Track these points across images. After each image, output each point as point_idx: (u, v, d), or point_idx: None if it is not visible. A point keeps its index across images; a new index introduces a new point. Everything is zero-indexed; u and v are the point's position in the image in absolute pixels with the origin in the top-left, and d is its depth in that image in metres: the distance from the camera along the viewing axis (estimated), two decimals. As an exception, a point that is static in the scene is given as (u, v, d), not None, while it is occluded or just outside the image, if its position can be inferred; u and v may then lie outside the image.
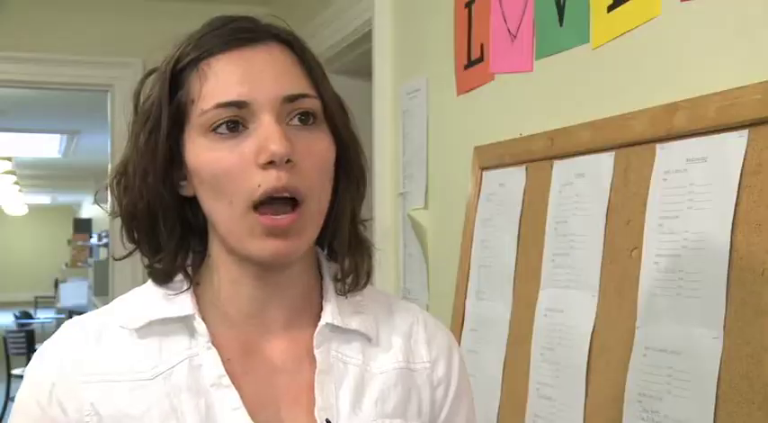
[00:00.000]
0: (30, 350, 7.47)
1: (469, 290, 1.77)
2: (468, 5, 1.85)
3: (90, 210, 14.63)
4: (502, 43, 1.72)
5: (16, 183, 11.79)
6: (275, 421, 0.88)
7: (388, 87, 2.35)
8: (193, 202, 0.90)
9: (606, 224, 1.35)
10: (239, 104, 0.84)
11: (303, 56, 0.90)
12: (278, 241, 0.84)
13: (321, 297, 0.94)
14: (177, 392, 0.86)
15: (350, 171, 0.93)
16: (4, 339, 7.81)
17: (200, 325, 0.88)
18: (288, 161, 0.83)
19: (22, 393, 0.90)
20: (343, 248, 0.94)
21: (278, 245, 0.84)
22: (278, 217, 0.84)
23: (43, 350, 0.91)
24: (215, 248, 0.91)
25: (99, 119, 4.11)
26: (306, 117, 0.87)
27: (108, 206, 0.96)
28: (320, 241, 0.95)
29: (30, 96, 5.96)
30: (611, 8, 1.38)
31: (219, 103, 0.84)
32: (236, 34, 0.87)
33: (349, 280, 0.94)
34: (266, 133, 0.83)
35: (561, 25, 1.53)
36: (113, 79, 3.58)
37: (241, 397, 0.86)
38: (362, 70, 2.67)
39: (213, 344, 0.88)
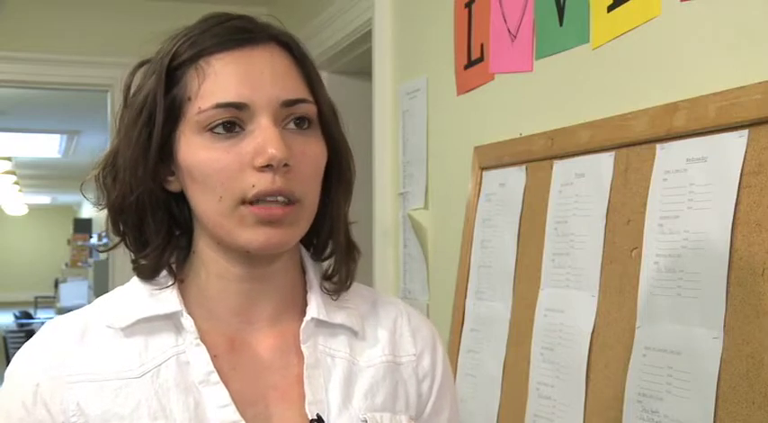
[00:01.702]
0: (30, 350, 7.46)
1: (469, 290, 1.77)
2: (468, 5, 1.85)
3: (90, 210, 14.62)
4: (502, 43, 1.72)
5: (16, 183, 11.79)
6: (265, 417, 0.87)
7: (388, 87, 2.35)
8: (179, 197, 0.90)
9: (606, 224, 1.35)
10: (239, 106, 0.84)
11: (301, 59, 0.90)
12: (271, 230, 0.84)
13: (305, 293, 0.94)
14: (165, 390, 0.85)
15: (341, 175, 0.94)
16: (5, 339, 7.82)
17: (187, 321, 0.88)
18: (285, 165, 0.83)
19: (5, 394, 0.89)
20: (341, 250, 0.94)
21: (270, 233, 0.84)
22: (272, 207, 0.84)
23: (26, 351, 0.90)
24: (201, 244, 0.91)
25: (99, 119, 4.13)
26: (302, 122, 0.87)
27: (94, 198, 0.95)
28: (306, 242, 0.95)
29: (30, 96, 5.97)
30: (611, 8, 1.38)
31: (219, 103, 0.84)
32: (235, 34, 0.87)
33: (336, 279, 0.94)
34: (265, 136, 0.83)
35: (561, 25, 1.53)
36: (113, 79, 3.57)
37: (230, 393, 0.86)
38: (362, 70, 2.67)
39: (200, 340, 0.88)
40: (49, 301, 12.64)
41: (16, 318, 10.36)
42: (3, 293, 15.48)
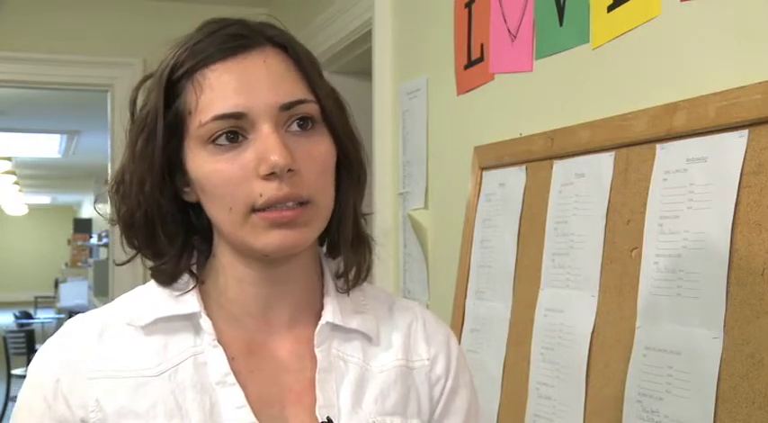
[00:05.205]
0: (30, 350, 7.47)
1: (469, 290, 1.77)
2: (468, 5, 1.85)
3: (90, 210, 14.63)
4: (502, 43, 1.72)
5: (16, 183, 11.80)
6: (279, 419, 0.88)
7: (388, 87, 2.35)
8: (197, 206, 0.91)
9: (606, 224, 1.35)
10: (237, 115, 0.84)
11: (298, 58, 0.89)
12: (285, 231, 0.84)
13: (323, 295, 0.94)
14: (182, 390, 0.86)
15: (350, 168, 0.93)
16: (5, 339, 7.81)
17: (205, 323, 0.89)
18: (289, 170, 0.83)
19: (27, 389, 0.91)
20: (347, 244, 0.94)
21: (285, 235, 0.84)
22: (282, 210, 0.84)
23: (48, 346, 0.92)
24: (220, 249, 0.92)
25: (99, 119, 4.12)
26: (304, 122, 0.87)
27: (107, 213, 0.97)
28: (320, 238, 0.95)
29: (30, 96, 5.97)
30: (611, 8, 1.38)
31: (217, 115, 0.84)
32: (229, 41, 0.86)
33: (351, 275, 0.94)
34: (266, 144, 0.83)
35: (561, 25, 1.53)
36: (113, 79, 3.58)
37: (246, 395, 0.87)
38: (362, 70, 2.67)
39: (218, 342, 0.89)
40: (49, 301, 12.65)
41: (16, 318, 10.35)
42: (3, 293, 15.49)
